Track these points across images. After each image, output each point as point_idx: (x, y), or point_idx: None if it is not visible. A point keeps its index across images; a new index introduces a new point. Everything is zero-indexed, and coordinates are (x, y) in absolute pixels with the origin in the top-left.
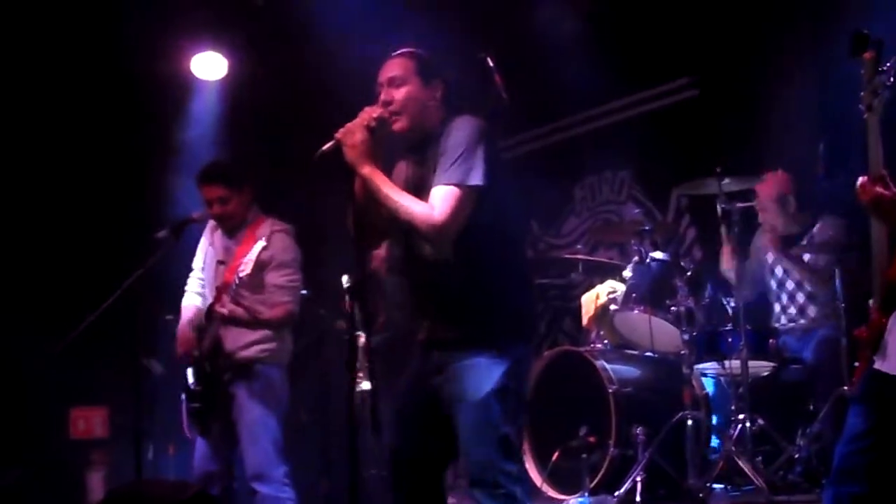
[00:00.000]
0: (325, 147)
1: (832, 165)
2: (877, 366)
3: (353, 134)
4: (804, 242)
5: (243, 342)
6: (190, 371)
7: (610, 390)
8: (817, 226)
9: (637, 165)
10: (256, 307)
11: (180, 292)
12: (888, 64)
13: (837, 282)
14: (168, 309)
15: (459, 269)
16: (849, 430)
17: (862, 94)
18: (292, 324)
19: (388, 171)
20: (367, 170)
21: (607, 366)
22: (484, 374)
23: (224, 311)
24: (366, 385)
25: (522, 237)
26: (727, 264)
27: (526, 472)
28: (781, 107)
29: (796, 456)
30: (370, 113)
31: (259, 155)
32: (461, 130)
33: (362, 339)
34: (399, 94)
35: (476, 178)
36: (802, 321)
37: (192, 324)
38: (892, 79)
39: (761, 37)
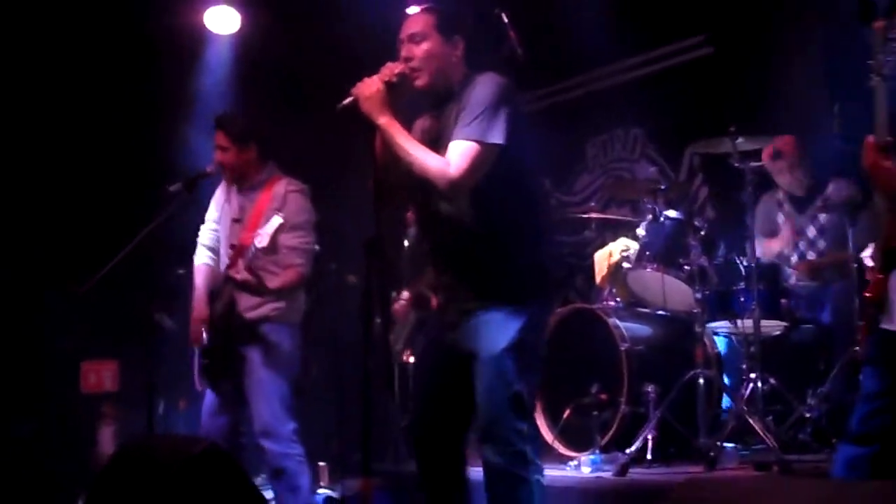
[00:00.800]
0: (343, 102)
1: (847, 126)
2: (884, 325)
3: (369, 86)
4: (819, 203)
5: (254, 301)
6: (203, 329)
7: (622, 348)
8: (830, 187)
9: (650, 123)
10: (268, 269)
11: (193, 246)
12: (890, 33)
13: (850, 242)
14: (180, 263)
15: (477, 226)
16: (864, 392)
17: (871, 61)
18: (303, 285)
19: (407, 128)
20: (384, 120)
21: (619, 323)
22: (500, 329)
23: (238, 277)
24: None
25: (543, 194)
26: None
27: (537, 429)
28: (797, 66)
29: (807, 416)
30: (392, 68)
31: (273, 110)
32: (485, 87)
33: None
34: (419, 50)
35: (496, 137)
36: (815, 284)
37: (205, 290)
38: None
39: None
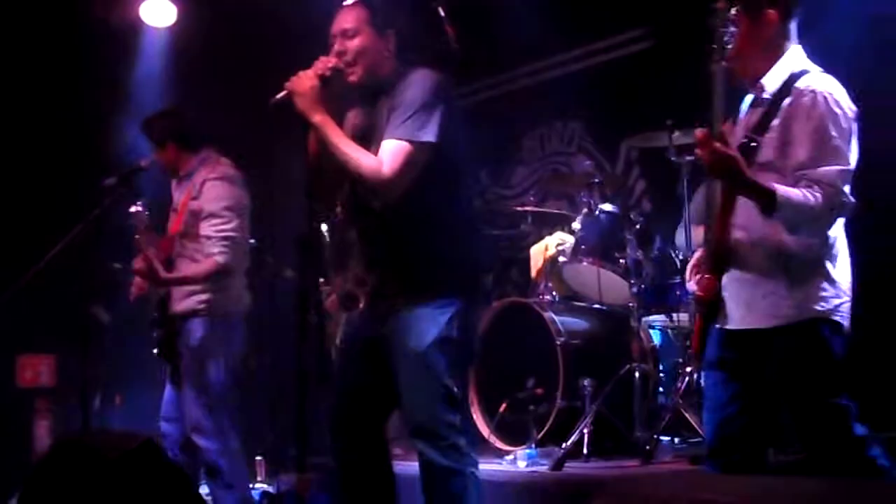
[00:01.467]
0: (277, 96)
1: None
2: (720, 325)
3: (303, 82)
4: None
5: (181, 294)
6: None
7: (558, 342)
8: None
9: (588, 116)
10: (195, 258)
11: (130, 240)
12: (729, 13)
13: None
14: (117, 257)
15: (405, 221)
16: (712, 400)
17: (713, 44)
18: (225, 273)
19: (339, 122)
20: (318, 118)
21: (555, 317)
22: (426, 325)
23: (135, 266)
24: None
25: (471, 188)
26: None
27: (472, 423)
28: None
29: None
30: (325, 63)
31: (209, 102)
32: (419, 85)
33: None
34: (352, 44)
35: (429, 135)
36: None
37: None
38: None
39: None
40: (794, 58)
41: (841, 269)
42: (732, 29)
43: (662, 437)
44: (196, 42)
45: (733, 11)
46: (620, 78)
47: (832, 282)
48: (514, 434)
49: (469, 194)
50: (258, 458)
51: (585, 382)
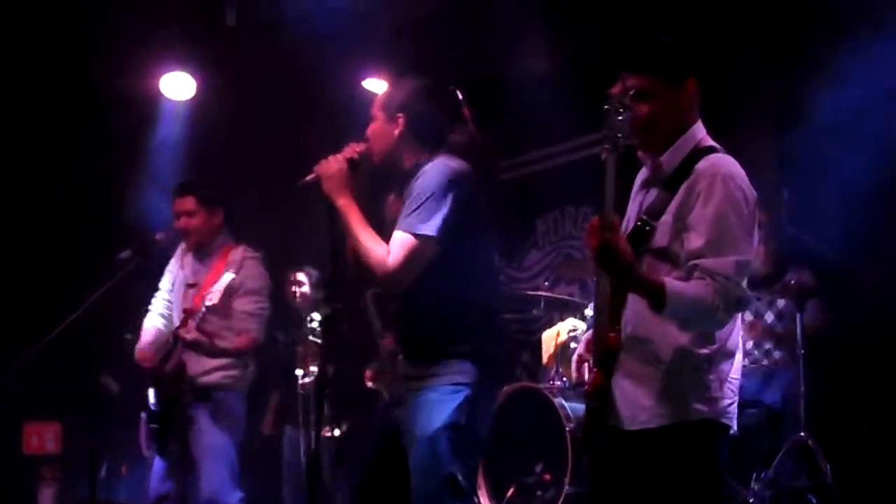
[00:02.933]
0: (306, 178)
1: (796, 211)
2: (611, 423)
3: (332, 165)
4: (777, 288)
5: (207, 367)
6: (151, 392)
7: (567, 428)
8: (790, 275)
9: (600, 201)
10: (221, 335)
11: (141, 312)
12: (626, 97)
13: (798, 327)
14: (127, 328)
15: (421, 304)
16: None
17: (605, 130)
18: (257, 350)
19: (368, 206)
20: (343, 202)
21: (565, 403)
22: (435, 410)
23: (188, 337)
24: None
25: (493, 274)
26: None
27: None
28: (742, 148)
29: (751, 500)
30: (353, 148)
31: (226, 176)
32: (429, 175)
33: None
34: (369, 129)
35: (430, 229)
36: (766, 362)
37: (152, 345)
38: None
39: (722, 74)
40: (698, 132)
41: (733, 369)
42: (625, 115)
43: None
44: (214, 115)
45: (633, 90)
46: (632, 164)
47: (722, 382)
48: None
49: (489, 280)
50: None
51: None
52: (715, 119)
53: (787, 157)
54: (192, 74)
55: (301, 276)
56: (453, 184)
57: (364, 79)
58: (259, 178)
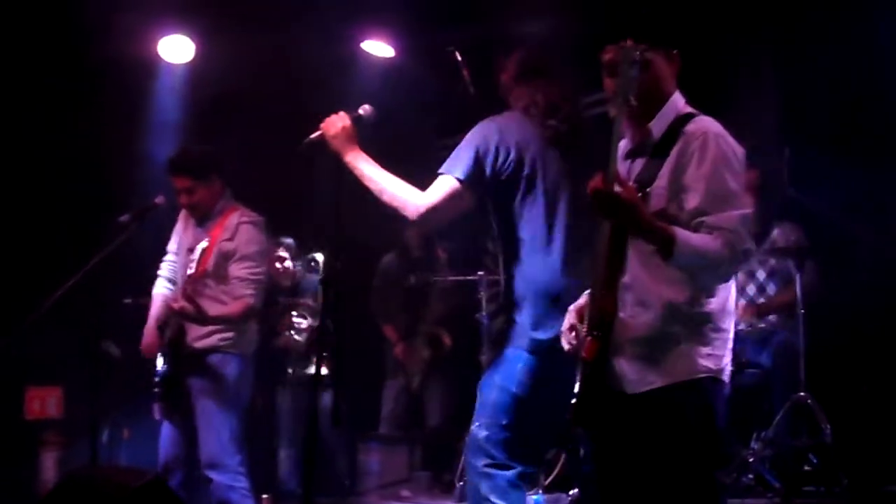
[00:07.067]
0: (311, 136)
1: (797, 172)
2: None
3: (335, 123)
4: (766, 247)
5: (204, 331)
6: (160, 358)
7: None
8: (776, 231)
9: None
10: (220, 300)
11: (142, 276)
12: (637, 53)
13: (798, 287)
14: (129, 292)
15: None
16: (597, 468)
17: (614, 88)
18: (252, 317)
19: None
20: (351, 156)
21: None
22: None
23: (175, 306)
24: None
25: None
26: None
27: None
28: (746, 108)
29: (750, 460)
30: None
31: (225, 140)
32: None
33: None
34: None
35: (457, 171)
36: (762, 325)
37: (158, 320)
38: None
39: (726, 40)
40: (679, 100)
41: (727, 322)
42: (635, 70)
43: None
44: (214, 79)
45: (638, 53)
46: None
47: (725, 340)
48: None
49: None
50: (265, 496)
51: None
52: (719, 86)
53: (788, 119)
54: (191, 37)
55: (281, 252)
56: (481, 136)
57: (363, 40)
58: (258, 142)
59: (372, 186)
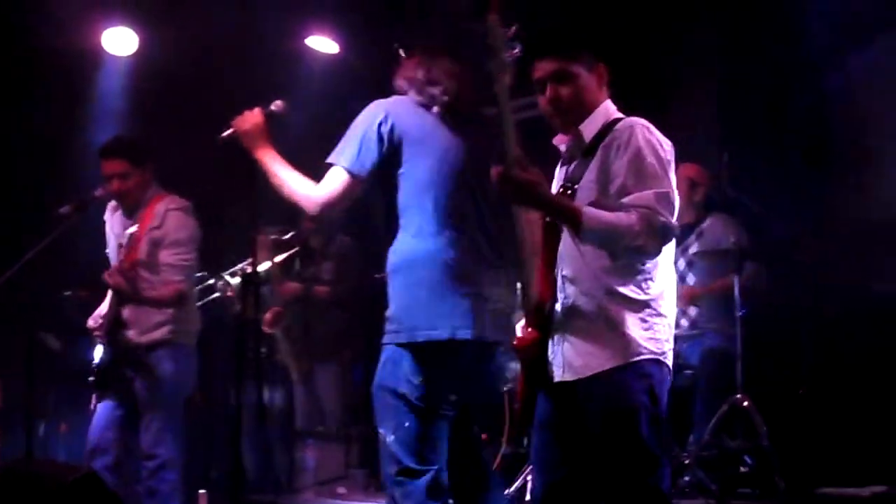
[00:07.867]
0: (223, 134)
1: (736, 174)
2: (557, 378)
3: (248, 120)
4: (693, 236)
5: (149, 323)
6: (98, 349)
7: (504, 388)
8: (707, 221)
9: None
10: (154, 287)
11: (82, 268)
12: (513, 29)
13: (736, 290)
14: (68, 285)
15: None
16: (542, 462)
17: (491, 63)
18: (183, 303)
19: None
20: (260, 152)
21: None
22: None
23: (110, 281)
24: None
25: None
26: None
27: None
28: (683, 110)
29: (686, 462)
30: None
31: (167, 132)
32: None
33: None
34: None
35: (342, 160)
36: (695, 331)
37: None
38: (517, 49)
39: (670, 32)
40: (610, 106)
41: (668, 308)
42: (516, 50)
43: None
44: (157, 71)
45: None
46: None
47: (666, 325)
48: None
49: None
50: (201, 491)
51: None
52: (659, 86)
53: (727, 122)
54: (135, 29)
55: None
56: (366, 119)
57: (307, 36)
58: (200, 135)
59: (275, 181)
